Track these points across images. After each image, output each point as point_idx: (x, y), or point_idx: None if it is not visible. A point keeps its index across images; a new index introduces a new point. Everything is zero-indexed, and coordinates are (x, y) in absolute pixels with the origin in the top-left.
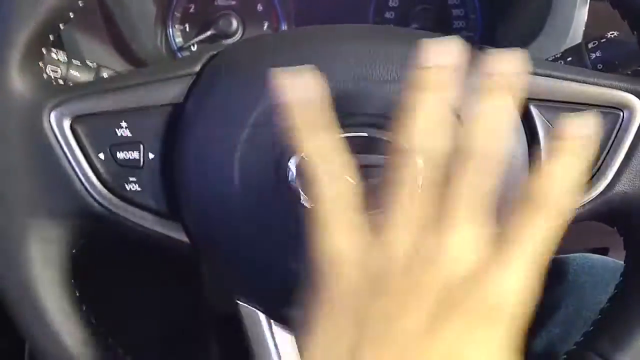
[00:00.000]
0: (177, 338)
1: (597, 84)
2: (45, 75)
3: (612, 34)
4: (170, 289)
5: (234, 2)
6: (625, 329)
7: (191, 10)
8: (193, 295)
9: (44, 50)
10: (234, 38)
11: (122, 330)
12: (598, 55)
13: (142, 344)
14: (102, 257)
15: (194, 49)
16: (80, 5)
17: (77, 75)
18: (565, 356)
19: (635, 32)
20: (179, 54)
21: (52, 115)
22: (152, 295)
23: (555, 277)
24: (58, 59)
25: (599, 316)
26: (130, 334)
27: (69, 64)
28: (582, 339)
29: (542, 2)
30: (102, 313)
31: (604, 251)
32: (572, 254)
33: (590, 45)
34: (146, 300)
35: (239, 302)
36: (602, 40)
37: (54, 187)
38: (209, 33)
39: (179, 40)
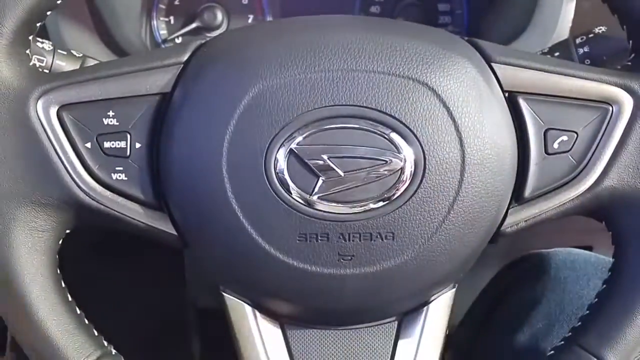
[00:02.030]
0: (159, 330)
1: (586, 78)
2: (31, 64)
3: (600, 29)
4: (153, 283)
5: None
6: (613, 325)
7: (176, 2)
8: (175, 288)
9: (30, 38)
10: (218, 31)
11: (104, 323)
12: (586, 50)
13: (124, 336)
14: (85, 251)
15: (178, 41)
16: None
17: (63, 64)
18: (552, 351)
19: (624, 27)
20: (163, 47)
21: (39, 104)
22: (134, 289)
23: (537, 271)
24: (43, 48)
25: (587, 312)
26: (112, 327)
27: (54, 53)
28: (569, 334)
29: None
30: (85, 306)
31: (587, 250)
32: (553, 249)
33: (578, 41)
34: (128, 294)
35: (224, 293)
36: (590, 36)
37: (40, 177)
38: (193, 26)
39: (163, 32)
